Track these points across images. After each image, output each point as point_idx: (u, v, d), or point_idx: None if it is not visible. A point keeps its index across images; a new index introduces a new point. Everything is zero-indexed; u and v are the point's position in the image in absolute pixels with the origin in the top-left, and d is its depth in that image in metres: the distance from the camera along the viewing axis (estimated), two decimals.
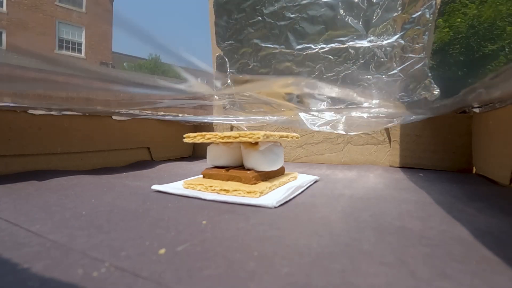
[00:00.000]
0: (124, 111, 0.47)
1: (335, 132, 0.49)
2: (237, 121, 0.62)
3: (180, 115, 0.62)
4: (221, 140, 0.28)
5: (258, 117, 0.60)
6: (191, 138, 0.30)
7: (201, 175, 0.31)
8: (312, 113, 0.54)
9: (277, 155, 0.30)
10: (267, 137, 0.27)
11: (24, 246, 0.15)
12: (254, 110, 0.68)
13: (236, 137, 0.27)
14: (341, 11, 0.57)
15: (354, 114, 0.51)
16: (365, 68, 0.56)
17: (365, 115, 0.49)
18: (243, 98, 0.62)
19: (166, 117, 0.56)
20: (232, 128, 0.68)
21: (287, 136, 0.32)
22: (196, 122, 0.64)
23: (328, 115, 0.52)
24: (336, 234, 0.17)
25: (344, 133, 0.49)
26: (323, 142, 0.58)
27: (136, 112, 0.50)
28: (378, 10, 0.54)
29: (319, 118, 0.51)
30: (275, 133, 0.29)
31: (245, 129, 0.64)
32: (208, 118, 0.64)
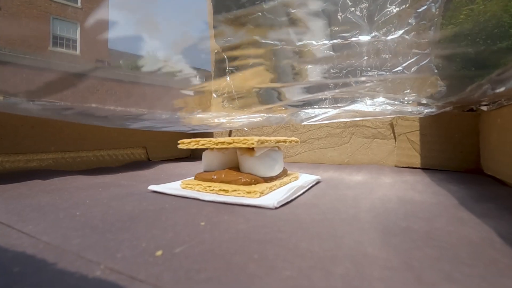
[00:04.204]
0: (119, 109, 0.47)
1: (336, 120, 0.49)
2: (229, 121, 0.62)
3: (178, 113, 0.61)
4: (215, 146, 0.28)
5: (256, 115, 0.60)
6: (185, 144, 0.30)
7: None
8: (307, 111, 0.54)
9: (275, 160, 0.30)
10: (262, 142, 0.27)
11: (16, 247, 0.15)
12: (253, 108, 0.68)
13: (230, 143, 0.27)
14: (344, 6, 0.57)
15: (357, 108, 0.51)
16: (369, 65, 0.56)
17: (369, 108, 0.49)
18: (241, 95, 0.62)
19: (163, 129, 0.56)
20: (230, 132, 0.68)
21: (284, 141, 0.32)
22: (195, 129, 0.64)
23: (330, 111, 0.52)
24: (339, 236, 0.17)
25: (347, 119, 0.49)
26: (327, 137, 0.58)
27: (133, 110, 0.50)
28: (382, 5, 0.54)
29: (319, 114, 0.51)
30: (271, 138, 0.29)
31: (246, 129, 0.64)
32: (204, 126, 0.64)
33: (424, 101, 0.47)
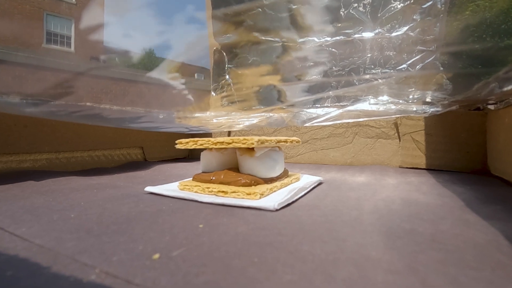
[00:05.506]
0: (115, 107, 0.47)
1: (339, 122, 0.49)
2: (230, 122, 0.62)
3: (175, 112, 0.61)
4: (214, 146, 0.28)
5: (256, 115, 0.60)
6: (183, 144, 0.30)
7: None
8: (308, 111, 0.54)
9: (276, 160, 0.30)
10: (262, 142, 0.27)
11: (9, 250, 0.15)
12: (253, 108, 0.68)
13: (229, 143, 0.27)
14: (347, 1, 0.57)
15: (360, 107, 0.51)
16: (372, 62, 0.56)
17: (373, 107, 0.49)
18: (240, 94, 0.62)
19: (160, 129, 0.56)
20: (230, 133, 0.68)
21: (285, 141, 0.32)
22: (193, 130, 0.64)
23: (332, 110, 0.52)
24: (342, 239, 0.17)
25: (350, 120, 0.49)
26: (330, 137, 0.58)
27: (128, 109, 0.50)
28: (386, 0, 0.54)
29: (322, 115, 0.51)
30: (272, 137, 0.29)
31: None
32: (203, 128, 0.64)
33: (429, 100, 0.47)
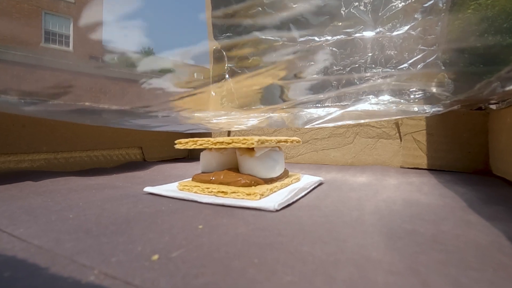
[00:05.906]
0: (114, 107, 0.47)
1: (340, 123, 0.49)
2: (229, 122, 0.62)
3: (173, 114, 0.61)
4: (213, 146, 0.28)
5: (256, 115, 0.60)
6: (182, 144, 0.30)
7: None
8: (309, 111, 0.54)
9: (276, 161, 0.30)
10: (262, 142, 0.27)
11: (7, 251, 0.15)
12: (253, 107, 0.68)
13: (229, 143, 0.27)
14: (348, 0, 0.57)
15: (361, 107, 0.51)
16: (373, 62, 0.56)
17: (374, 107, 0.49)
18: (240, 94, 0.62)
19: (158, 129, 0.56)
20: (229, 133, 0.68)
21: (285, 141, 0.32)
22: (192, 129, 0.64)
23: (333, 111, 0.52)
24: (342, 240, 0.17)
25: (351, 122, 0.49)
26: (330, 137, 0.58)
27: (127, 108, 0.50)
28: None
29: (324, 116, 0.51)
30: (272, 137, 0.29)
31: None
32: (202, 127, 0.64)
33: (430, 99, 0.47)
